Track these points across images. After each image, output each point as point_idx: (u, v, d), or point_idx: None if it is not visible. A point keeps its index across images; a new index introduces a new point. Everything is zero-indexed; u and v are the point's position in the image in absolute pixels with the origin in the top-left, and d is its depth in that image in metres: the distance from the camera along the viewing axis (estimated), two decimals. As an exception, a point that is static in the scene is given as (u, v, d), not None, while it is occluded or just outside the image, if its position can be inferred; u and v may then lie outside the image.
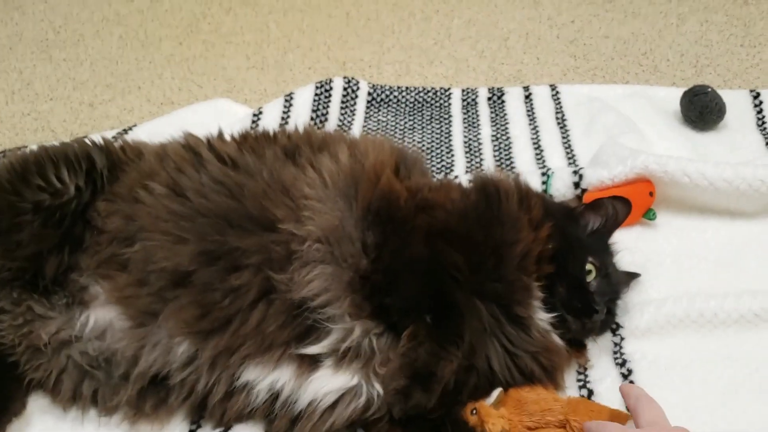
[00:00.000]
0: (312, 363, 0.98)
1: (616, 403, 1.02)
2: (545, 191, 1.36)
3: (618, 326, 1.16)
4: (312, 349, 0.97)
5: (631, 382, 1.10)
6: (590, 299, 1.06)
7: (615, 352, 1.14)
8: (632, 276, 1.23)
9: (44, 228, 1.07)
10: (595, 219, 1.17)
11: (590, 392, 1.08)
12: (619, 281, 1.15)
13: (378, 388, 0.97)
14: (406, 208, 1.03)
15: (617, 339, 1.15)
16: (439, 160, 1.59)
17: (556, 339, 1.04)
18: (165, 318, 1.01)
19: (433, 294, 0.97)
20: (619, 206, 1.19)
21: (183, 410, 1.07)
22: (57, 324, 1.06)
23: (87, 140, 1.20)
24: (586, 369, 1.12)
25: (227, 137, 1.21)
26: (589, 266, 1.08)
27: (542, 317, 1.03)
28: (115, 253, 1.06)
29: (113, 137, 1.56)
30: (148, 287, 1.02)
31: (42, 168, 1.10)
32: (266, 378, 0.98)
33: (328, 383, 0.97)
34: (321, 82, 1.72)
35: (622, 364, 1.12)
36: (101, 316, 1.06)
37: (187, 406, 1.05)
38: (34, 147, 1.23)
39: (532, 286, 1.03)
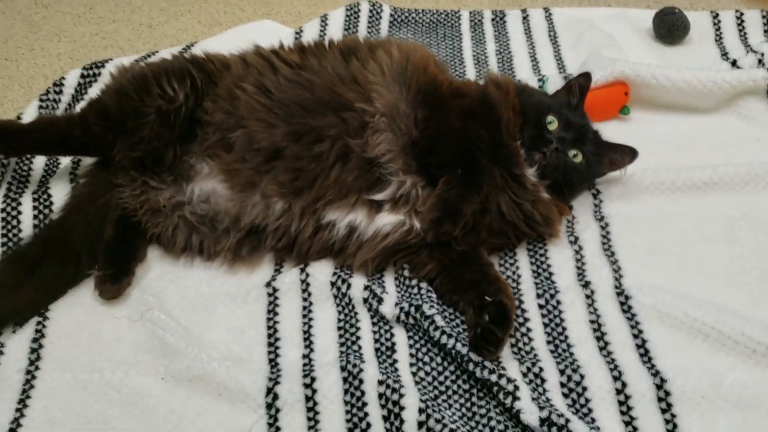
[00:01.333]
0: (377, 207, 1.34)
1: (596, 248, 1.40)
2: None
3: (598, 192, 1.51)
4: (378, 196, 1.33)
5: (608, 232, 1.45)
6: (545, 134, 1.37)
7: (595, 212, 1.49)
8: (627, 148, 1.45)
9: (162, 127, 1.39)
10: (566, 94, 1.48)
11: (576, 238, 1.44)
12: (587, 135, 1.42)
13: (416, 223, 1.33)
14: (446, 93, 1.39)
15: (597, 201, 1.50)
16: (453, 71, 1.90)
17: (544, 194, 1.38)
18: (264, 185, 1.33)
19: (464, 155, 1.32)
20: (581, 80, 1.48)
21: (272, 254, 1.41)
22: (169, 192, 1.39)
23: (184, 57, 1.50)
24: (573, 224, 1.47)
25: (286, 48, 1.52)
26: (550, 118, 1.39)
27: (530, 173, 1.37)
28: (221, 138, 1.38)
29: (179, 52, 1.86)
30: (249, 163, 1.35)
31: (159, 80, 1.41)
32: (345, 218, 1.33)
33: (386, 220, 1.33)
34: (350, 5, 2.03)
35: (600, 219, 1.47)
36: (205, 186, 1.39)
37: (278, 247, 1.38)
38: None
39: (519, 148, 1.37)
